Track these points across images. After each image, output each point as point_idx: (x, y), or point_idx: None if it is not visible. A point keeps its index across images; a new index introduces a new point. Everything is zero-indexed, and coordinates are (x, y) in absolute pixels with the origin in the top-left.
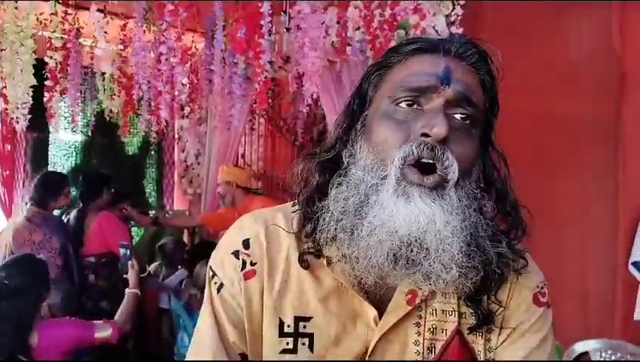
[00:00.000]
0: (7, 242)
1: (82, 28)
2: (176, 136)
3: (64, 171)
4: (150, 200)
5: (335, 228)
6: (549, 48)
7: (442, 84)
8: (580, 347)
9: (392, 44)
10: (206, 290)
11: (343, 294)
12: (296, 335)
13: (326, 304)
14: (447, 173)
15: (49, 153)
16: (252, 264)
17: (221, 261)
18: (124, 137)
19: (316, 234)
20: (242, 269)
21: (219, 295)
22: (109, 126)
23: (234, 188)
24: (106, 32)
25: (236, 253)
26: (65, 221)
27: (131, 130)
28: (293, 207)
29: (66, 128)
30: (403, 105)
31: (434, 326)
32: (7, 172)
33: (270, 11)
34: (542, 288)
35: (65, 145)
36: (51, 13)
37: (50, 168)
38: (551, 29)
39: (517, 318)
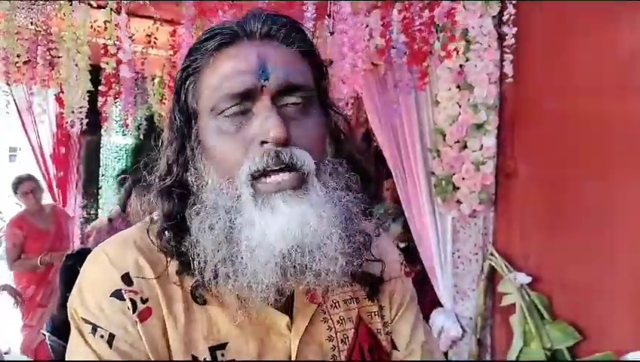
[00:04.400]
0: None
1: (134, 35)
2: None
3: (114, 173)
4: None
5: (214, 264)
6: (604, 47)
7: (261, 79)
8: (632, 357)
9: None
10: (80, 351)
11: (251, 309)
12: None
13: (238, 324)
14: (304, 170)
15: (101, 156)
16: (144, 301)
17: (98, 308)
18: None
19: (195, 272)
20: (134, 311)
21: (113, 349)
22: (158, 129)
23: None
24: (156, 38)
25: (118, 294)
26: None
27: None
28: (152, 223)
29: (117, 132)
30: (228, 113)
31: (341, 317)
32: (62, 173)
33: (314, 15)
34: (403, 259)
35: (116, 148)
36: (105, 21)
37: (101, 170)
38: (606, 27)
39: (399, 292)
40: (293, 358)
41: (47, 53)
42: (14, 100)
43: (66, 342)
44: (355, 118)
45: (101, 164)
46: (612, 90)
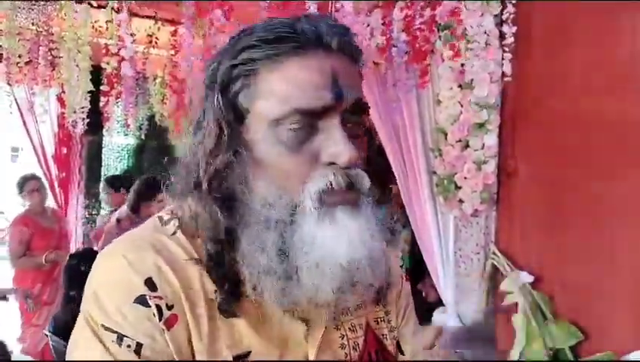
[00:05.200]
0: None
1: (135, 35)
2: None
3: (117, 173)
4: None
5: (264, 282)
6: (606, 46)
7: (336, 98)
8: (634, 357)
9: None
10: (99, 358)
11: (269, 317)
12: None
13: (258, 332)
14: (361, 188)
15: (102, 156)
16: (169, 307)
17: (121, 315)
18: (173, 140)
19: (241, 287)
20: (160, 318)
21: (141, 357)
22: (159, 129)
23: None
24: (157, 38)
25: (142, 300)
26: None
27: (182, 133)
28: (164, 225)
29: (118, 132)
30: (294, 127)
31: (352, 324)
32: (64, 174)
33: (317, 13)
34: (402, 263)
35: (118, 148)
36: (107, 21)
37: (103, 170)
38: (608, 27)
39: (404, 297)
40: None
41: (49, 53)
42: (16, 100)
43: (66, 341)
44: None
45: (103, 164)
46: (613, 90)
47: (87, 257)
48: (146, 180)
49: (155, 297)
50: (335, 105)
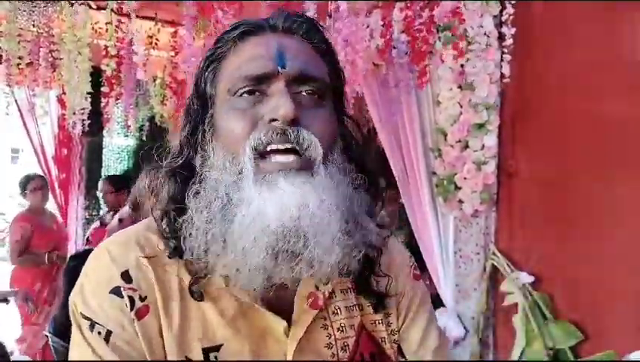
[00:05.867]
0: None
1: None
2: None
3: (117, 173)
4: None
5: (205, 242)
6: (604, 49)
7: (278, 65)
8: (635, 356)
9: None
10: (80, 347)
11: (249, 312)
12: None
13: (234, 327)
14: (310, 154)
15: (103, 157)
16: (142, 299)
17: (98, 304)
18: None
19: (186, 253)
20: (132, 308)
21: (109, 345)
22: (160, 130)
23: None
24: (157, 39)
25: (117, 290)
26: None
27: None
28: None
29: (118, 133)
30: (244, 95)
31: (342, 324)
32: (64, 175)
33: (315, 15)
34: (413, 262)
35: (118, 149)
36: (106, 23)
37: (103, 172)
38: (606, 28)
39: (407, 296)
40: None
41: (49, 54)
42: (16, 102)
43: (69, 343)
44: (357, 117)
45: (103, 165)
46: (613, 90)
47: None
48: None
49: (128, 289)
50: (278, 72)
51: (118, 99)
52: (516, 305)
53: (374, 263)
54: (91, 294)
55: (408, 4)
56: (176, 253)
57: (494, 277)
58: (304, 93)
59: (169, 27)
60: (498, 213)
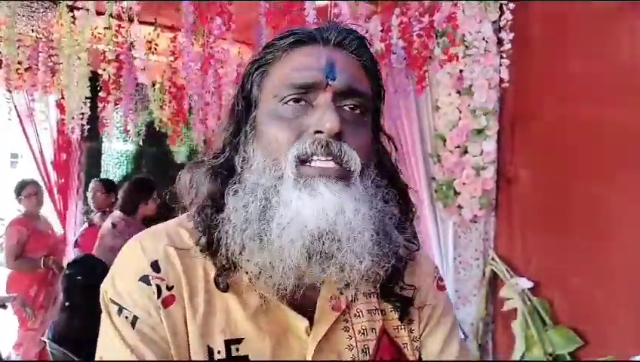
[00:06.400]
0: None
1: (134, 41)
2: None
3: (115, 179)
4: None
5: (242, 239)
6: (601, 54)
7: (328, 78)
8: (636, 360)
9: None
10: (109, 331)
11: (271, 309)
12: (230, 360)
13: (256, 322)
14: (350, 166)
15: (102, 162)
16: (169, 288)
17: (126, 291)
18: (172, 146)
19: (221, 249)
20: (159, 296)
21: (135, 330)
22: (158, 135)
23: None
24: (156, 44)
25: (145, 279)
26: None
27: (181, 139)
28: (190, 221)
29: (117, 138)
30: (290, 102)
31: (363, 327)
32: (63, 180)
33: (315, 20)
34: (438, 273)
35: (117, 154)
36: (105, 27)
37: (102, 176)
38: (603, 34)
39: (430, 304)
40: None
41: (48, 59)
42: (15, 107)
43: (67, 350)
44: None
45: (102, 170)
46: (611, 95)
47: (83, 267)
48: (141, 181)
49: (156, 278)
50: (326, 83)
51: (117, 103)
52: (515, 310)
53: (400, 273)
54: (121, 281)
55: (406, 10)
56: (208, 247)
57: (493, 282)
58: (347, 108)
59: (168, 32)
60: (497, 219)
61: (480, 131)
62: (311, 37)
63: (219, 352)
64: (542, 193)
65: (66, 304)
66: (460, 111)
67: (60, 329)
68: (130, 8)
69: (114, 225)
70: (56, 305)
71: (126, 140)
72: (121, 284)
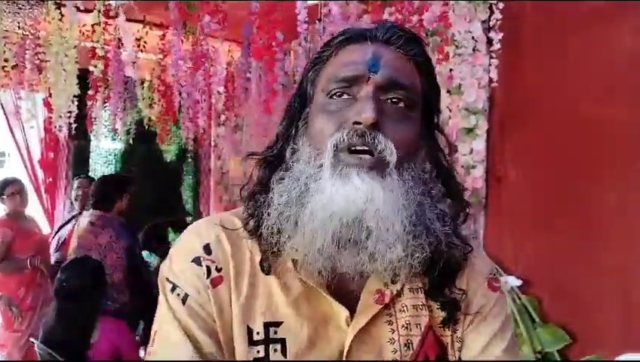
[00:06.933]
0: (72, 247)
1: (121, 38)
2: (213, 143)
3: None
4: (187, 207)
5: (280, 221)
6: (591, 54)
7: (370, 71)
8: (622, 358)
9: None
10: (163, 307)
11: (313, 296)
12: (267, 341)
13: (296, 307)
14: (384, 156)
15: (90, 160)
16: (218, 270)
17: (180, 271)
18: (162, 145)
19: (261, 229)
20: (208, 276)
21: (185, 306)
22: (147, 134)
23: None
24: (145, 42)
25: (197, 260)
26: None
27: (170, 138)
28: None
29: (106, 136)
30: (335, 96)
31: (407, 322)
32: (50, 179)
33: (307, 18)
34: (494, 274)
35: (105, 152)
36: (93, 24)
37: (91, 175)
38: (592, 34)
39: (477, 304)
40: (345, 353)
41: (36, 57)
42: (2, 105)
43: (56, 352)
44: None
45: (90, 169)
46: (600, 95)
47: (75, 269)
48: (116, 178)
49: (207, 260)
50: (368, 77)
51: (105, 102)
52: None
53: (450, 273)
54: (177, 262)
55: (398, 9)
56: (255, 230)
57: None
58: (390, 101)
59: (157, 30)
60: (487, 217)
61: (470, 130)
62: (360, 35)
63: (257, 333)
64: (531, 192)
65: (56, 305)
66: (450, 111)
67: (47, 331)
68: (119, 6)
69: (92, 224)
70: (46, 306)
71: (114, 139)
72: (177, 264)
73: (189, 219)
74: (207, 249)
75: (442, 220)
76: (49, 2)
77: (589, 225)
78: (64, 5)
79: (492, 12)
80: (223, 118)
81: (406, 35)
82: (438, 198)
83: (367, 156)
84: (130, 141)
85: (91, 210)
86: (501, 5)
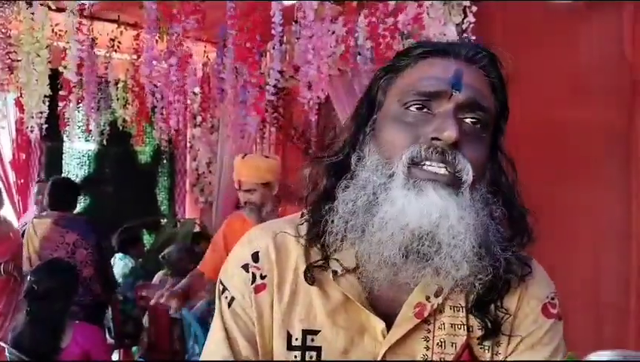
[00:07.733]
0: (33, 249)
1: (97, 38)
2: (188, 144)
3: (77, 180)
4: (162, 209)
5: (345, 229)
6: (560, 56)
7: (453, 88)
8: (593, 358)
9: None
10: (217, 305)
11: (351, 308)
12: (304, 348)
13: (334, 317)
14: (462, 176)
15: (63, 162)
16: (262, 277)
17: (231, 275)
18: (137, 146)
19: (325, 237)
20: (252, 283)
21: (230, 309)
22: (122, 135)
23: (272, 192)
24: (120, 42)
25: (245, 267)
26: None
27: (144, 139)
28: (301, 217)
29: (79, 137)
30: (413, 108)
31: (443, 340)
32: (22, 180)
33: (282, 21)
34: (552, 299)
35: (78, 154)
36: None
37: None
38: (562, 37)
39: (525, 328)
40: None
41: (7, 56)
42: None
43: (26, 355)
44: (322, 123)
45: (63, 170)
46: (572, 97)
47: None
48: (67, 180)
49: (254, 267)
50: (450, 94)
51: (79, 102)
52: None
53: (498, 293)
54: (230, 267)
55: (373, 11)
56: (316, 238)
57: None
58: (469, 121)
59: (131, 30)
60: None
61: None
62: (442, 50)
63: (296, 339)
64: None
65: (26, 308)
66: None
67: (17, 334)
68: (92, 5)
69: (56, 223)
70: (18, 313)
71: (88, 140)
72: (230, 269)
73: (163, 220)
74: (255, 256)
75: (503, 244)
76: (20, 1)
77: (561, 227)
78: (32, 4)
79: (466, 15)
80: (199, 118)
81: (488, 56)
82: (499, 221)
83: (444, 171)
84: (104, 142)
85: (48, 210)
86: (474, 9)
